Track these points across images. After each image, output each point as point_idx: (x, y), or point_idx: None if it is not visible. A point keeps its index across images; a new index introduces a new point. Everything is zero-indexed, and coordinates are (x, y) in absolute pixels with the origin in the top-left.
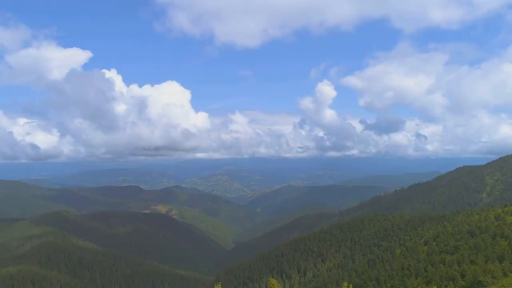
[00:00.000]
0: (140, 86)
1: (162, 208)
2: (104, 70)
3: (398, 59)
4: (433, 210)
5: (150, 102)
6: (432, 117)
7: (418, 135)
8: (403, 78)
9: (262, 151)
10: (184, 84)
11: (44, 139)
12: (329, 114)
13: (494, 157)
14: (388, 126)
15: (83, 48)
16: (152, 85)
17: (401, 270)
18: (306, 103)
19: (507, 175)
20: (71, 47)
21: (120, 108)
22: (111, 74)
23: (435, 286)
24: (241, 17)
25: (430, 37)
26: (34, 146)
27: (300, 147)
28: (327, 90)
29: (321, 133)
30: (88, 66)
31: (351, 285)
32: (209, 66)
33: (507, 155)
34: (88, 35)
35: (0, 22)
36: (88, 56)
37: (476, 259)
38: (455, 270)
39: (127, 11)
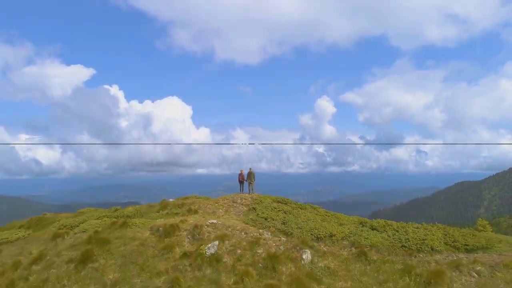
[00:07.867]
0: (141, 101)
1: None
2: (107, 86)
3: (397, 75)
4: None
5: (152, 118)
6: (432, 133)
7: (418, 151)
8: (402, 94)
9: (263, 166)
10: (185, 99)
11: (46, 155)
12: (329, 130)
13: (494, 172)
14: (388, 142)
15: (86, 65)
16: (153, 101)
17: None
18: (306, 119)
19: (504, 190)
20: (75, 64)
21: (123, 124)
22: (114, 91)
23: None
24: (241, 35)
25: (427, 55)
26: (37, 162)
27: (301, 163)
28: (326, 106)
29: (321, 149)
30: (90, 82)
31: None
32: (210, 82)
33: (504, 171)
34: (91, 52)
35: (5, 39)
36: (91, 73)
37: None
38: None
39: (129, 29)
